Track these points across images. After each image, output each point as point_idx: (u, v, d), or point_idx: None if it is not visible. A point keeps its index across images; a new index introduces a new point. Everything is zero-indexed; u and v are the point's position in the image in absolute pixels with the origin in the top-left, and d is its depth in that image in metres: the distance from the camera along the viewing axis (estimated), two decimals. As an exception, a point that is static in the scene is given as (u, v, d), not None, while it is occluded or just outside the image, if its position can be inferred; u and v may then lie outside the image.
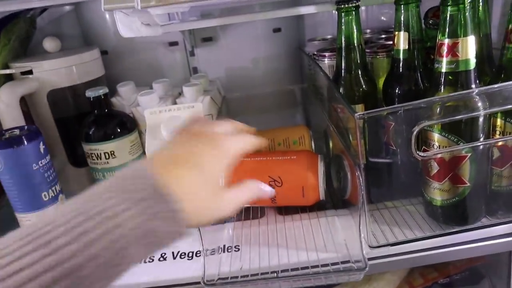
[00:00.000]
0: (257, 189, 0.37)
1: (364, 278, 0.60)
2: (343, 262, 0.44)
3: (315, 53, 0.67)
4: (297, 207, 0.56)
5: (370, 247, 0.46)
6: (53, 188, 0.58)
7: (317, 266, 0.43)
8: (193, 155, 0.31)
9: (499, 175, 0.46)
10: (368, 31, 0.79)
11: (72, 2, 0.78)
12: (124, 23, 0.46)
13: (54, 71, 0.65)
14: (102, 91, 0.61)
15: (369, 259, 0.47)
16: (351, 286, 0.60)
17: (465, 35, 0.39)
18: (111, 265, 0.24)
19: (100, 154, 0.60)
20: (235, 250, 0.49)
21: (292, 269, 0.45)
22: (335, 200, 0.57)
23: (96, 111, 0.61)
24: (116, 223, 0.24)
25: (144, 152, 0.65)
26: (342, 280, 0.38)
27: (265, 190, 0.39)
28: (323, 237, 0.49)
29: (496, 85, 0.40)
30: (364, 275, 0.43)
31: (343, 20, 0.52)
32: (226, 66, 0.83)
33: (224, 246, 0.50)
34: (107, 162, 0.61)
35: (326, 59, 0.64)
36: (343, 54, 0.54)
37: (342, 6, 0.52)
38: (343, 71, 0.55)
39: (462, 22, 0.39)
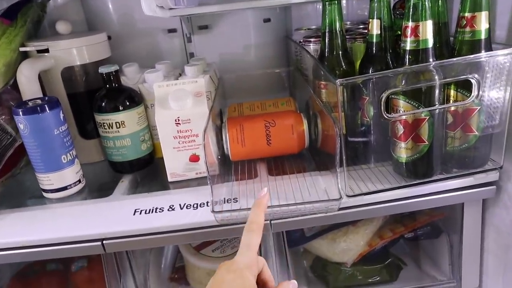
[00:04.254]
0: None
1: (342, 231, 0.71)
2: (329, 200, 0.54)
3: (302, 40, 0.76)
4: (286, 169, 0.65)
5: (348, 196, 0.56)
6: (70, 152, 0.65)
7: (302, 203, 0.53)
8: None
9: (452, 137, 0.56)
10: (348, 22, 0.89)
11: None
12: (146, 2, 0.54)
13: (67, 51, 0.72)
14: (113, 67, 0.68)
15: (347, 207, 0.57)
16: (331, 238, 0.69)
17: (425, 19, 0.49)
18: None
19: (112, 123, 0.68)
20: (234, 201, 0.58)
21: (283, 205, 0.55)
22: (319, 165, 0.67)
23: (107, 85, 0.69)
24: None
25: (149, 124, 0.72)
26: (321, 209, 0.46)
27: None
28: (308, 189, 0.58)
29: (447, 60, 0.50)
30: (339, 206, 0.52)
31: (327, 9, 0.62)
32: (220, 51, 0.91)
33: (225, 198, 0.59)
34: (118, 131, 0.68)
35: (311, 44, 0.73)
36: (327, 38, 0.63)
37: (327, -4, 0.61)
38: (326, 52, 0.64)
39: (423, 9, 0.49)
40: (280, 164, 0.68)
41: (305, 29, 0.86)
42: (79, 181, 0.67)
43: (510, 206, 0.60)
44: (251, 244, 0.42)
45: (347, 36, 0.69)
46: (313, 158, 0.69)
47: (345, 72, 0.64)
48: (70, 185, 0.66)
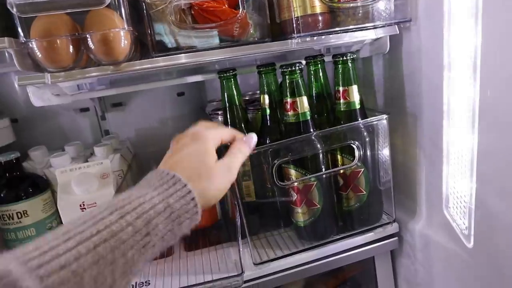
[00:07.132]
0: (246, 145, 0.45)
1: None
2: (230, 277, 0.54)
3: (210, 112, 0.80)
4: (201, 243, 0.65)
5: (255, 264, 0.56)
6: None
7: (203, 283, 0.52)
8: (186, 153, 0.41)
9: (346, 197, 0.60)
10: (258, 91, 0.94)
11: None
12: (36, 94, 0.54)
13: (-36, 140, 0.69)
14: (13, 155, 0.66)
15: (257, 277, 0.57)
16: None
17: (300, 95, 0.54)
18: (142, 234, 0.32)
19: (12, 214, 0.64)
20: (146, 285, 0.56)
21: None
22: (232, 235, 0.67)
23: (7, 174, 0.66)
24: (141, 201, 0.34)
25: (57, 209, 0.69)
26: (226, 285, 0.47)
27: (251, 140, 0.47)
28: (218, 264, 0.58)
29: (325, 130, 0.55)
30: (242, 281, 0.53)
31: (224, 86, 0.66)
32: (136, 127, 0.92)
33: (136, 282, 0.57)
34: (20, 222, 0.65)
35: (219, 117, 0.77)
36: (228, 112, 0.67)
37: (223, 75, 0.65)
38: (229, 125, 0.67)
39: (297, 86, 0.55)
40: (196, 238, 0.68)
41: (217, 101, 0.90)
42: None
43: (412, 256, 0.63)
44: (226, 128, 0.46)
45: (251, 107, 0.74)
46: (227, 228, 0.70)
47: (247, 142, 0.67)
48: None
